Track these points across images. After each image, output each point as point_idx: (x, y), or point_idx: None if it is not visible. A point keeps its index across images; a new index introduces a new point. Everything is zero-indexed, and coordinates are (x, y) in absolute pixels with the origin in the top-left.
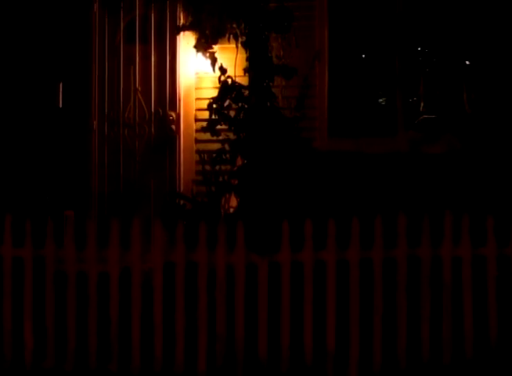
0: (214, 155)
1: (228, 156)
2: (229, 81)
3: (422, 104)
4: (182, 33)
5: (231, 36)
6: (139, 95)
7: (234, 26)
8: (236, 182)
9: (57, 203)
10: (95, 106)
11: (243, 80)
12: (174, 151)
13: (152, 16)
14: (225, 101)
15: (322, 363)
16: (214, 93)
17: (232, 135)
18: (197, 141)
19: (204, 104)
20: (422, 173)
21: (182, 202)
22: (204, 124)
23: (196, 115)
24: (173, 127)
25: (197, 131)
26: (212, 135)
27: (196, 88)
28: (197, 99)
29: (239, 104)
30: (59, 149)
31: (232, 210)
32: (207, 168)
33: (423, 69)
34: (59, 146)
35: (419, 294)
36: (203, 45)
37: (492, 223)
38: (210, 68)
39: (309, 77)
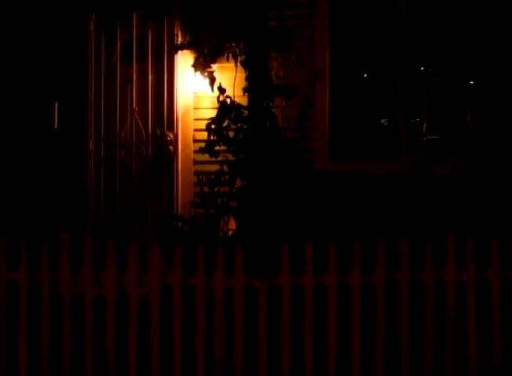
0: (213, 176)
1: (227, 177)
2: (228, 100)
3: (425, 125)
4: (179, 52)
5: (230, 55)
6: (136, 115)
7: (233, 44)
8: (235, 204)
9: (53, 225)
10: (91, 126)
11: (242, 100)
12: (172, 173)
13: (149, 34)
14: (223, 121)
15: None
16: (213, 113)
17: (231, 157)
18: (195, 162)
19: (203, 124)
20: (425, 195)
21: (179, 224)
22: (203, 144)
23: (194, 136)
24: (171, 148)
25: (195, 152)
26: (211, 156)
27: (194, 108)
28: (195, 119)
29: (239, 125)
30: (55, 170)
31: (230, 233)
32: (206, 189)
33: (427, 89)
34: (54, 168)
35: (422, 319)
36: (202, 64)
37: (497, 247)
38: (209, 88)
39: (310, 97)
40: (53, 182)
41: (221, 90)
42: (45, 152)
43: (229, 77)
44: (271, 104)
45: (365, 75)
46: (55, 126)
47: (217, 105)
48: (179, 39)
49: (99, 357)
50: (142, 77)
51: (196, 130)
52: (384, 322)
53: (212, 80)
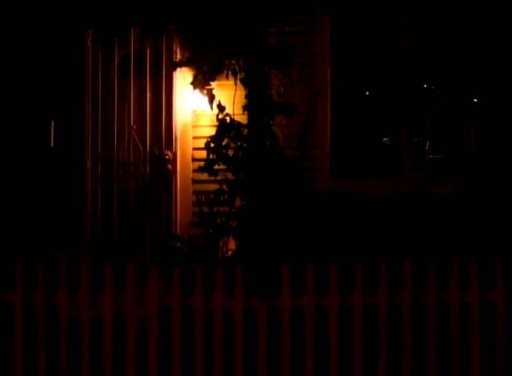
0: (212, 196)
1: (226, 197)
2: (228, 119)
3: (428, 143)
4: (178, 69)
5: (229, 72)
6: (134, 133)
7: (233, 62)
8: (235, 224)
9: (49, 245)
10: (88, 144)
11: (241, 118)
12: (171, 192)
13: (147, 51)
14: (223, 140)
15: None
16: (212, 132)
17: (230, 176)
18: (194, 181)
19: (202, 143)
20: (428, 215)
21: (178, 245)
22: (202, 163)
23: (193, 154)
24: (169, 167)
25: (194, 171)
26: (210, 175)
27: (193, 127)
28: (194, 137)
29: (238, 143)
30: (51, 189)
31: (230, 253)
32: (205, 209)
33: (430, 107)
34: (50, 187)
35: (425, 341)
36: (201, 82)
37: (501, 266)
38: (208, 105)
39: (311, 115)
40: (49, 202)
41: (221, 108)
42: (41, 171)
43: (229, 94)
44: (271, 122)
45: (367, 93)
46: (52, 145)
47: (216, 123)
48: (178, 56)
49: None
50: (140, 94)
51: (194, 149)
52: (387, 344)
53: (211, 97)
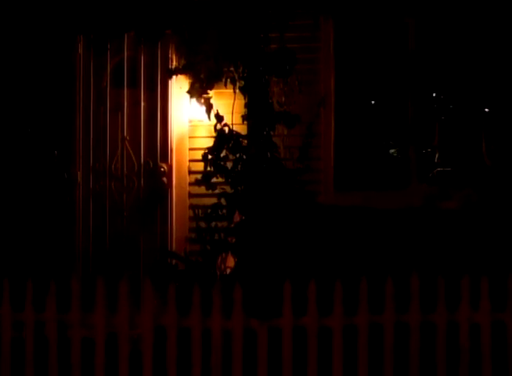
0: (210, 210)
1: (224, 211)
2: (226, 129)
3: (437, 155)
4: (174, 76)
5: (228, 80)
6: (127, 144)
7: (231, 69)
8: (234, 240)
9: (38, 260)
10: (80, 156)
11: (241, 128)
12: (166, 206)
13: (141, 58)
14: (221, 151)
15: None
16: (210, 143)
17: (229, 189)
18: (191, 195)
19: (199, 155)
20: (436, 230)
21: (174, 262)
22: (199, 176)
23: (189, 167)
24: (164, 179)
25: (191, 184)
26: (207, 188)
27: (189, 137)
28: (191, 149)
29: (237, 155)
30: (41, 202)
31: (228, 270)
32: (202, 224)
33: (439, 117)
34: (40, 200)
35: (434, 362)
36: (198, 90)
37: None
38: (205, 115)
39: (314, 125)
40: (39, 216)
41: (219, 118)
42: (29, 184)
43: (227, 104)
44: (272, 133)
45: (372, 102)
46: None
47: (214, 134)
48: (174, 63)
49: None
50: (134, 103)
51: (191, 161)
52: (393, 364)
53: (209, 107)
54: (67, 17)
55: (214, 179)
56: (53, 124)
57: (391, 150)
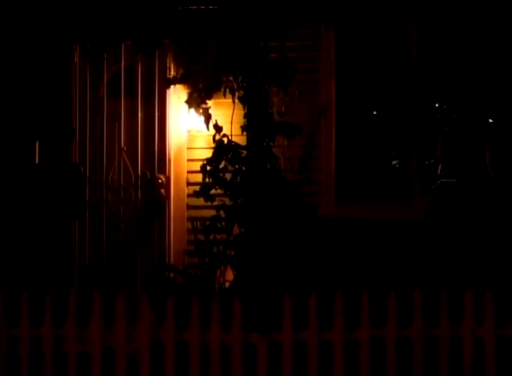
0: (208, 223)
1: (223, 224)
2: (225, 140)
3: (440, 167)
4: (172, 86)
5: (227, 90)
6: (125, 155)
7: (230, 79)
8: (233, 253)
9: (34, 273)
10: None
11: (240, 139)
12: (164, 218)
13: (139, 67)
14: (220, 163)
15: None
16: (209, 154)
17: (228, 201)
18: (189, 207)
19: (197, 166)
20: (439, 243)
21: (172, 275)
22: (197, 188)
23: (188, 178)
24: (162, 191)
25: (189, 195)
26: (206, 200)
27: (188, 148)
28: (189, 160)
29: (236, 166)
30: (36, 214)
31: (227, 284)
32: (201, 237)
33: (442, 127)
34: (35, 212)
35: None
36: (196, 100)
37: None
38: (204, 126)
39: (314, 136)
40: (34, 228)
41: (218, 128)
42: (24, 196)
43: (226, 114)
44: (272, 144)
45: (374, 112)
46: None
47: (213, 144)
48: (172, 72)
49: None
50: (132, 113)
51: (189, 172)
52: None
53: (207, 117)
54: (63, 26)
55: (212, 191)
56: (49, 135)
57: (393, 161)
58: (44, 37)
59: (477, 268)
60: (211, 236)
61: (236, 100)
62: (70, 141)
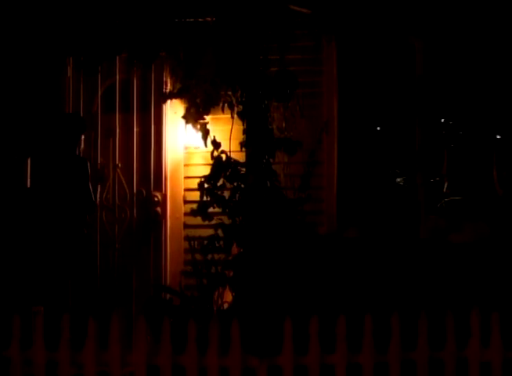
0: (206, 242)
1: (221, 243)
2: (224, 156)
3: (446, 184)
4: (168, 101)
5: (225, 105)
6: (119, 172)
7: (229, 93)
8: (231, 273)
9: (26, 295)
10: None
11: (239, 155)
12: (160, 237)
13: (134, 81)
14: (218, 180)
15: None
16: (206, 171)
17: (226, 220)
18: (186, 226)
19: (195, 183)
20: (445, 265)
21: (168, 296)
22: (194, 206)
23: (184, 196)
24: (158, 209)
25: (186, 214)
26: (204, 219)
27: (185, 165)
28: (186, 177)
29: (235, 184)
30: (28, 234)
31: (226, 306)
32: (198, 257)
33: (448, 144)
34: (27, 231)
35: None
36: (194, 116)
37: None
38: (202, 142)
39: (316, 152)
40: (26, 248)
41: (216, 144)
42: (15, 215)
43: (225, 129)
44: (271, 160)
45: (378, 128)
46: (28, 185)
47: (210, 161)
48: (168, 87)
49: None
50: (127, 129)
51: (186, 190)
52: None
53: (205, 133)
54: (56, 38)
55: (210, 209)
56: (41, 151)
57: (398, 179)
58: (36, 51)
59: (485, 290)
60: (209, 257)
61: (235, 115)
62: (82, 132)
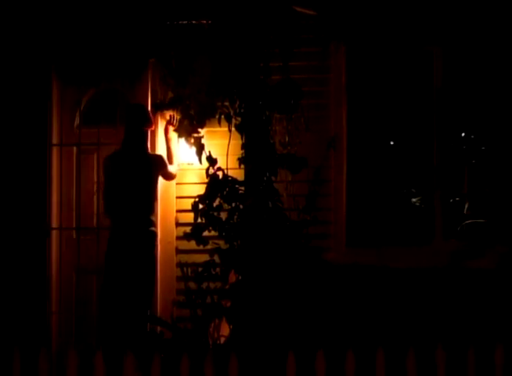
0: (201, 269)
1: (218, 270)
2: (220, 174)
3: (467, 205)
4: (159, 113)
5: (222, 117)
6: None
7: (226, 104)
8: (229, 304)
9: (6, 329)
10: (49, 208)
11: (237, 173)
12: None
13: (121, 91)
14: (214, 200)
15: None
16: (201, 190)
17: (223, 244)
18: (179, 251)
19: (188, 204)
20: (464, 294)
21: (159, 329)
22: (188, 229)
23: (177, 218)
24: None
25: (179, 238)
26: (198, 243)
27: (177, 184)
28: (179, 197)
29: (233, 204)
30: (9, 260)
31: (223, 339)
32: (192, 285)
33: (469, 160)
34: (8, 257)
35: None
36: (187, 129)
37: None
38: (196, 158)
39: (322, 169)
40: (6, 275)
41: (211, 161)
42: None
43: (221, 144)
44: (273, 179)
45: (391, 143)
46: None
47: (206, 180)
48: (159, 97)
49: None
50: (112, 143)
51: (179, 211)
52: None
53: (200, 148)
54: (36, 44)
55: (205, 233)
56: (20, 167)
57: (414, 199)
58: (15, 58)
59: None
60: (204, 285)
61: (233, 129)
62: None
